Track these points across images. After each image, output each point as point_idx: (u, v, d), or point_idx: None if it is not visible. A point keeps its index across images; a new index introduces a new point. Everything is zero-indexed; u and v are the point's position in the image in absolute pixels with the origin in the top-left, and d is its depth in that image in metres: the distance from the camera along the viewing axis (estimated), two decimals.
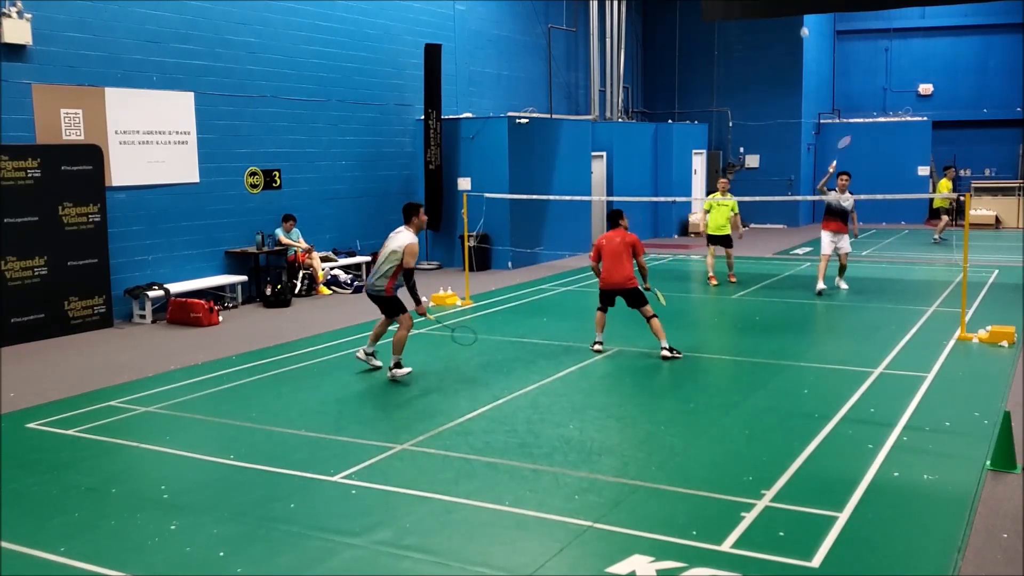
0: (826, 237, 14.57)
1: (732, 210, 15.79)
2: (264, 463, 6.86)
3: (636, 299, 10.35)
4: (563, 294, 14.79)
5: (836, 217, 14.47)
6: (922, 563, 5.08)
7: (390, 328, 9.93)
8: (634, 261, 10.37)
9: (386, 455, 7.00)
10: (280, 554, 5.31)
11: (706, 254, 16.18)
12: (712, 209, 15.92)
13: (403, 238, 9.42)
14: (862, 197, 14.81)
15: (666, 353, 10.08)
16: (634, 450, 7.09)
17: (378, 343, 9.97)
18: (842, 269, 14.84)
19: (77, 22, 12.45)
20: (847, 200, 14.47)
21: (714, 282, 15.61)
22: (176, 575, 5.08)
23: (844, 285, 14.75)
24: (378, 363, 9.84)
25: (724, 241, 15.84)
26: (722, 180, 16.66)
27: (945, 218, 22.12)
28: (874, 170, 26.74)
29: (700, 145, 26.47)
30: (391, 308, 9.58)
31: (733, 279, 15.84)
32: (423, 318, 9.81)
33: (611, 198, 20.37)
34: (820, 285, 14.26)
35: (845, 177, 14.66)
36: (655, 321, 10.23)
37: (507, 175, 17.93)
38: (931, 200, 24.46)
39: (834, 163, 15.72)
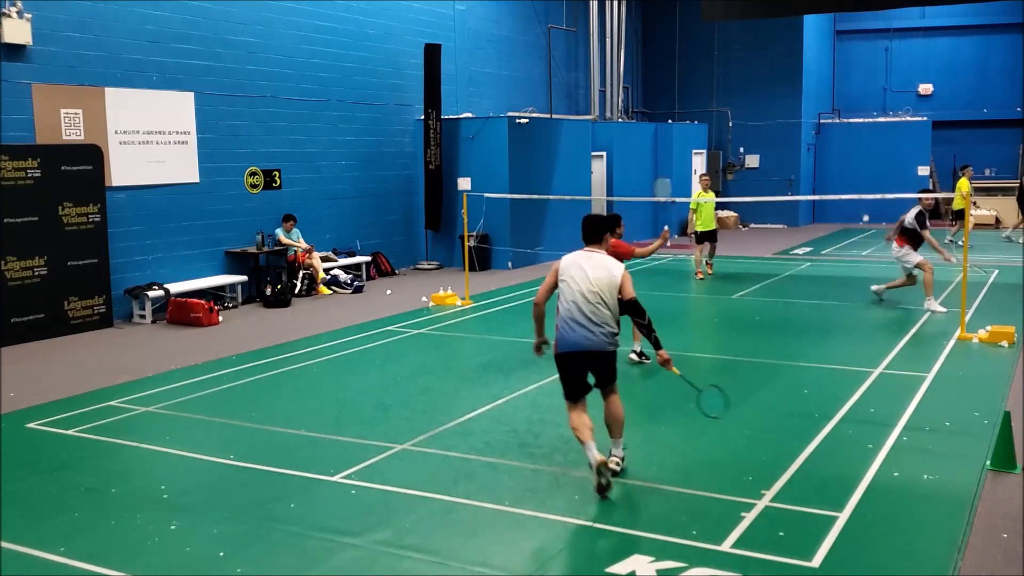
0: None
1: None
2: (264, 463, 6.85)
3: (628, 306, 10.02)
4: None
5: (906, 234, 12.74)
6: (922, 563, 5.08)
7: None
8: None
9: (386, 455, 7.00)
10: (280, 554, 5.31)
11: (695, 251, 16.62)
12: (700, 207, 16.30)
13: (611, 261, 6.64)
14: (863, 197, 14.60)
15: (634, 357, 9.89)
16: (634, 450, 7.08)
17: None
18: (902, 284, 13.19)
19: (77, 22, 12.45)
20: (908, 218, 12.69)
21: (701, 276, 16.19)
22: (176, 575, 5.08)
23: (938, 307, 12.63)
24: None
25: (712, 236, 16.45)
26: (704, 176, 17.25)
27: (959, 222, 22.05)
28: (874, 170, 26.78)
29: (700, 145, 26.48)
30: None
31: (710, 270, 16.48)
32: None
33: (611, 198, 20.39)
34: (934, 305, 12.52)
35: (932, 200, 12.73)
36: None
37: (507, 175, 17.93)
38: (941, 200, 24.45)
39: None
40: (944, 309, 12.49)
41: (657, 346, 6.55)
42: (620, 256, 9.60)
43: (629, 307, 6.49)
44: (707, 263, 16.56)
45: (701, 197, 16.50)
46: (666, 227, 10.14)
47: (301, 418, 8.03)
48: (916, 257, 12.70)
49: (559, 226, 19.77)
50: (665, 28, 28.34)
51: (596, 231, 6.69)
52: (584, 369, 6.49)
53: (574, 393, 6.48)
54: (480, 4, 20.61)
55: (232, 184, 14.84)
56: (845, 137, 28.43)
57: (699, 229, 16.32)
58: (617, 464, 6.43)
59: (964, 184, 20.93)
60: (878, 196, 12.79)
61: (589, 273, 6.45)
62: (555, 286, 6.67)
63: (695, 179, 26.06)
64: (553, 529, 5.59)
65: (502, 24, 21.45)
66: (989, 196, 26.54)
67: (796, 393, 8.71)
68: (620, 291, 6.45)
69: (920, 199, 12.68)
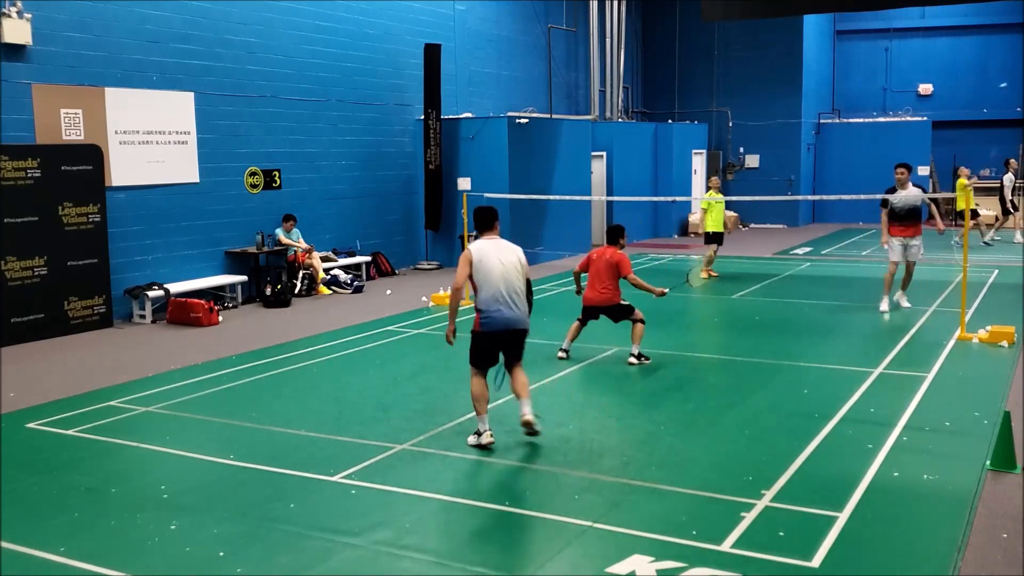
0: (896, 243, 12.43)
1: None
2: (264, 463, 6.85)
3: (620, 313, 10.07)
4: (563, 294, 14.77)
5: (905, 220, 12.33)
6: (922, 563, 5.08)
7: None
8: (621, 279, 9.97)
9: (386, 455, 7.00)
10: (280, 554, 5.31)
11: (706, 251, 16.49)
12: (710, 207, 16.23)
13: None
14: (863, 197, 14.54)
15: (633, 360, 9.89)
16: (634, 450, 7.09)
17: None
18: (907, 280, 12.84)
19: (77, 22, 12.45)
20: (915, 196, 12.32)
21: (708, 275, 16.16)
22: (176, 575, 5.08)
23: (906, 303, 12.81)
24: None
25: (718, 239, 16.41)
26: (715, 178, 17.13)
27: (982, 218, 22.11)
28: (874, 170, 26.73)
29: (700, 145, 26.48)
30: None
31: (714, 274, 16.35)
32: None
33: (611, 198, 20.40)
34: (884, 306, 12.55)
35: (903, 170, 12.38)
36: (640, 327, 9.95)
37: (507, 175, 17.93)
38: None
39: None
40: (886, 308, 12.60)
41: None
42: (621, 267, 9.80)
43: (527, 285, 7.37)
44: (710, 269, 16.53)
45: (712, 197, 16.42)
46: (666, 289, 10.43)
47: (301, 418, 8.03)
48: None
49: (559, 226, 19.79)
50: (665, 28, 28.34)
51: (490, 220, 7.45)
52: (501, 346, 7.25)
53: (485, 365, 7.29)
54: (480, 4, 20.61)
55: (232, 184, 14.84)
56: (845, 137, 28.43)
57: (709, 229, 16.33)
58: (533, 415, 7.12)
59: (962, 181, 20.82)
60: (878, 196, 12.77)
61: (503, 259, 7.20)
62: (469, 273, 7.20)
63: (695, 179, 26.08)
64: (553, 529, 5.59)
65: (502, 24, 21.45)
66: (989, 196, 26.51)
67: (796, 393, 8.71)
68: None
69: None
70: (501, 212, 17.72)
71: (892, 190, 12.46)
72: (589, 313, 10.22)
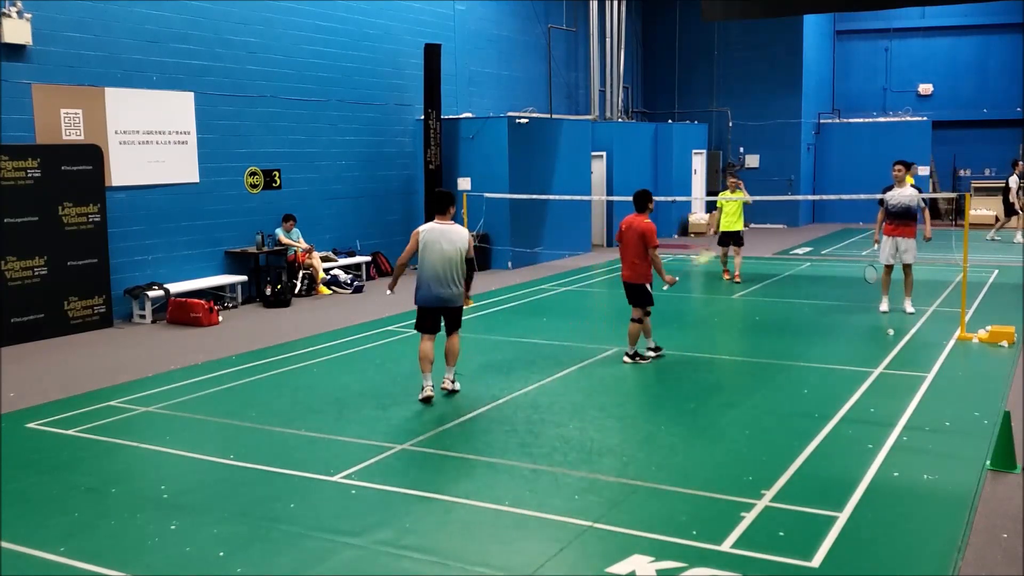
0: (886, 242, 12.36)
1: (747, 201, 15.56)
2: (264, 463, 6.86)
3: (636, 296, 9.80)
4: (563, 294, 14.78)
5: (897, 219, 12.27)
6: (922, 563, 5.08)
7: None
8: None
9: (386, 455, 7.00)
10: (280, 554, 5.31)
11: (719, 253, 15.89)
12: (723, 206, 15.85)
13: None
14: (863, 197, 14.52)
15: (627, 359, 9.86)
16: (634, 450, 7.09)
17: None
18: (909, 285, 12.55)
19: (77, 22, 12.45)
20: (908, 195, 12.18)
21: (728, 277, 15.79)
22: (176, 575, 5.08)
23: (911, 308, 12.43)
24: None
25: (736, 239, 15.79)
26: (732, 179, 16.44)
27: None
28: (874, 170, 26.71)
29: (700, 145, 26.48)
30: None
31: (738, 279, 15.65)
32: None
33: (611, 198, 20.38)
34: (884, 306, 12.46)
35: (900, 167, 12.21)
36: (635, 326, 9.79)
37: (507, 175, 17.93)
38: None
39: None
40: (886, 309, 12.50)
41: (467, 289, 8.55)
42: (647, 238, 9.54)
43: (468, 263, 8.44)
44: (735, 274, 15.72)
45: (724, 196, 15.99)
46: (676, 278, 10.16)
47: (301, 418, 8.03)
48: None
49: (559, 226, 19.79)
50: (665, 28, 28.34)
51: (443, 204, 8.54)
52: (438, 315, 8.54)
53: (428, 329, 8.58)
54: (480, 4, 20.61)
55: (232, 184, 14.84)
56: (845, 137, 28.42)
57: (721, 229, 15.85)
58: (453, 383, 8.65)
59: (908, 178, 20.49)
60: (877, 196, 12.76)
61: (445, 244, 8.29)
62: (415, 251, 8.43)
63: (695, 179, 26.07)
64: (553, 529, 5.59)
65: (502, 24, 21.45)
66: (989, 196, 26.52)
67: (796, 393, 8.71)
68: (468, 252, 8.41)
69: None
70: (501, 212, 17.93)
71: (891, 188, 12.43)
72: (626, 292, 9.90)
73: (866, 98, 29.46)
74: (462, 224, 15.51)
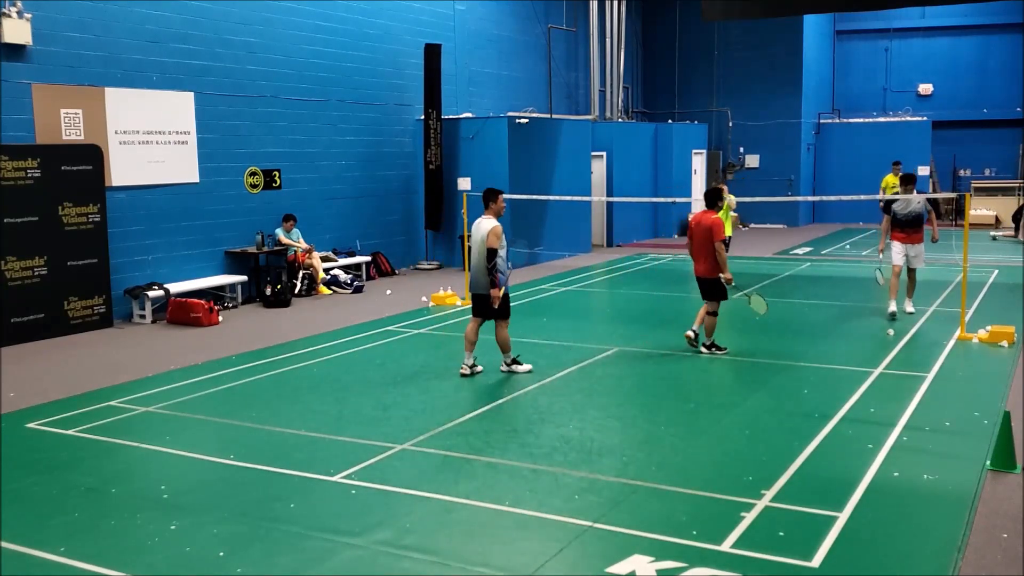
0: (896, 247, 12.28)
1: (732, 206, 15.33)
2: (264, 463, 6.85)
3: (709, 290, 10.28)
4: (563, 294, 14.78)
5: (908, 227, 12.21)
6: (922, 563, 5.08)
7: None
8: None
9: (386, 455, 7.00)
10: (280, 554, 5.31)
11: None
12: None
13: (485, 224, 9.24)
14: (862, 197, 14.49)
15: (704, 350, 10.30)
16: (634, 450, 7.09)
17: None
18: (912, 287, 12.60)
19: (77, 22, 12.45)
20: (917, 202, 12.10)
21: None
22: (176, 575, 5.08)
23: (911, 308, 12.50)
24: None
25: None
26: (722, 184, 16.14)
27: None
28: (874, 170, 26.74)
29: (700, 145, 26.48)
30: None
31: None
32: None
33: (611, 198, 20.40)
34: (892, 307, 12.17)
35: (897, 167, 12.26)
36: (711, 318, 10.24)
37: (507, 175, 17.93)
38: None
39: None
40: (894, 309, 12.17)
41: (493, 281, 9.03)
42: (713, 232, 10.05)
43: (488, 256, 8.98)
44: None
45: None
46: (731, 277, 10.35)
47: (301, 418, 8.03)
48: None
49: (559, 226, 19.79)
50: (665, 28, 28.34)
51: (484, 200, 9.34)
52: (476, 301, 9.34)
53: (473, 312, 9.44)
54: (480, 4, 20.61)
55: (232, 184, 14.84)
56: (845, 137, 28.44)
57: None
58: (508, 366, 9.46)
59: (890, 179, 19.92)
60: (877, 196, 12.77)
61: (477, 236, 9.16)
62: None
63: (695, 179, 26.07)
64: (553, 529, 5.59)
65: (502, 24, 21.45)
66: (989, 196, 26.54)
67: (796, 393, 8.71)
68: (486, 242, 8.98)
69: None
70: None
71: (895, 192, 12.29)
72: (699, 286, 10.45)
73: (866, 98, 29.47)
74: (462, 224, 15.57)
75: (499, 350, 9.52)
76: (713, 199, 10.40)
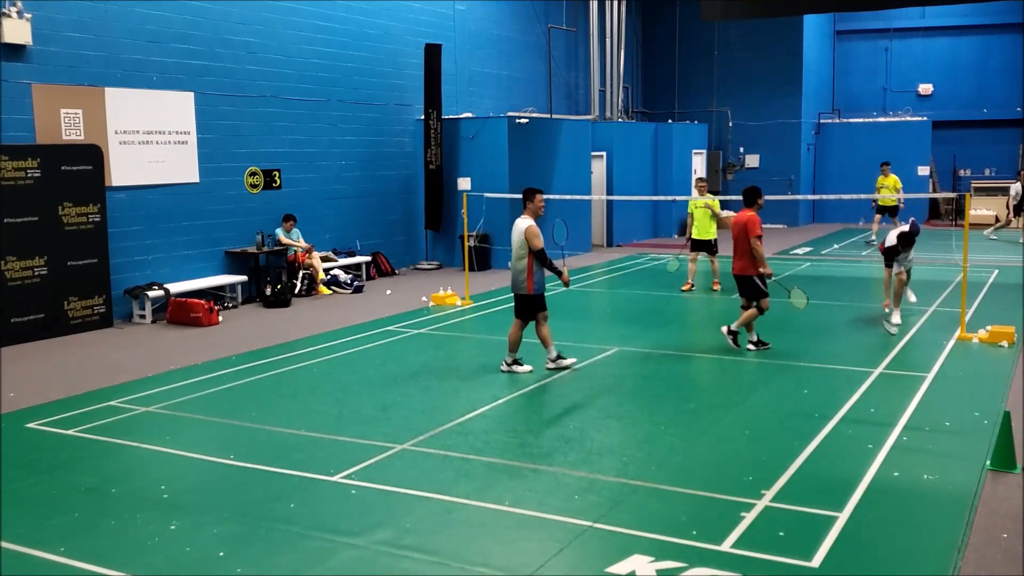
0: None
1: (715, 209, 14.88)
2: (264, 463, 6.86)
3: (744, 290, 10.45)
4: (563, 294, 14.76)
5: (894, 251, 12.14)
6: (922, 563, 5.09)
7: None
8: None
9: (386, 455, 7.00)
10: (280, 554, 5.31)
11: (689, 258, 15.30)
12: (693, 212, 15.03)
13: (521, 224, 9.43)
14: (862, 197, 14.46)
15: (750, 346, 10.41)
16: (634, 450, 7.09)
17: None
18: (908, 280, 12.45)
19: (77, 22, 12.45)
20: (891, 240, 11.96)
21: (688, 287, 14.94)
22: (176, 575, 5.08)
23: (913, 297, 12.83)
24: None
25: (707, 247, 15.01)
26: (701, 182, 15.65)
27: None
28: (874, 170, 26.71)
29: (700, 145, 26.48)
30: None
31: (717, 287, 14.95)
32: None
33: (611, 198, 20.40)
34: (896, 318, 11.71)
35: (886, 167, 12.06)
36: (752, 311, 10.32)
37: (507, 175, 17.93)
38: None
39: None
40: (899, 322, 11.75)
41: (555, 271, 9.40)
42: (749, 228, 10.18)
43: (538, 256, 9.23)
44: (714, 282, 15.00)
45: (693, 200, 15.18)
46: (771, 271, 10.50)
47: (301, 418, 8.03)
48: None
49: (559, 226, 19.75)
50: (665, 28, 28.34)
51: (523, 200, 9.51)
52: (516, 301, 9.58)
53: (515, 312, 9.61)
54: (480, 4, 20.61)
55: (232, 184, 14.84)
56: (845, 137, 28.43)
57: (693, 236, 15.03)
58: (554, 362, 9.54)
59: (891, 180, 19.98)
60: (877, 196, 12.76)
61: (513, 236, 9.32)
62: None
63: (695, 179, 26.07)
64: (553, 529, 5.59)
65: (502, 24, 21.45)
66: (989, 196, 26.53)
67: (796, 393, 8.71)
68: (528, 245, 9.19)
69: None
70: (501, 212, 17.91)
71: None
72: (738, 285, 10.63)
73: (866, 98, 29.46)
74: (462, 223, 15.58)
75: (541, 346, 9.70)
76: (752, 197, 10.53)
